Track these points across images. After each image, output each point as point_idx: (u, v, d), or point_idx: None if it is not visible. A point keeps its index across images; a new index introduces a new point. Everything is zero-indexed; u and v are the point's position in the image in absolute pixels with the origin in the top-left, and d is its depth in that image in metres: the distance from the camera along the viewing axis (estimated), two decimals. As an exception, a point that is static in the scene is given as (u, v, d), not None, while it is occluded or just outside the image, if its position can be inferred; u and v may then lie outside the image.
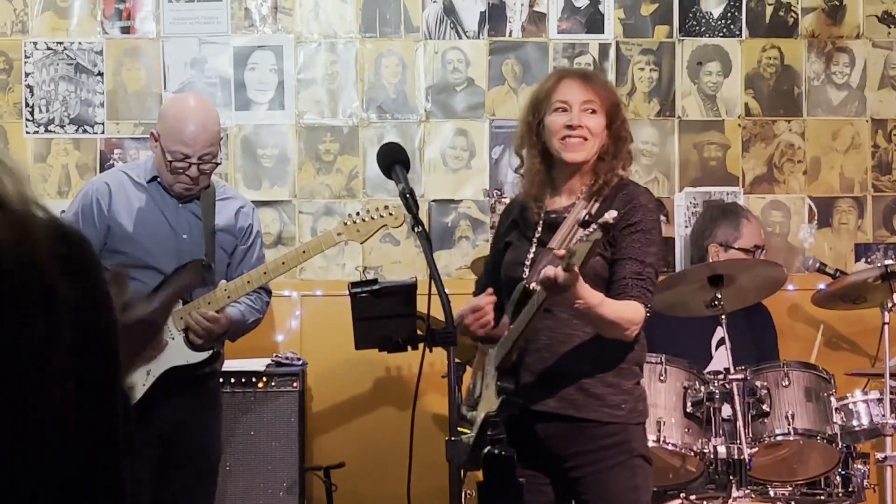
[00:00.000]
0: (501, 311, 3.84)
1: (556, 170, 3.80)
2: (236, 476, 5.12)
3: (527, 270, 3.72)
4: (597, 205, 3.67)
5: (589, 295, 3.44)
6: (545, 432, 3.69)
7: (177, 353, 4.48)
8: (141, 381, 4.43)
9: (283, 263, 4.52)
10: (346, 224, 4.54)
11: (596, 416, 3.64)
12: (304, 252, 4.54)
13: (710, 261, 5.19)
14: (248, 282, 4.49)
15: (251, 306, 4.66)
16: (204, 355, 4.51)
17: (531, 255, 3.74)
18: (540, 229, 3.76)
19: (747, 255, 5.26)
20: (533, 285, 3.58)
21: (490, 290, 3.76)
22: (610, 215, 3.16)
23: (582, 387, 3.66)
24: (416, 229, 3.44)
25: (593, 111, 3.73)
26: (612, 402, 3.66)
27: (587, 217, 3.22)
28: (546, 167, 3.80)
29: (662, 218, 5.69)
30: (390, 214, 4.52)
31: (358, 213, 4.55)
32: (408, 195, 3.47)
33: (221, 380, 4.92)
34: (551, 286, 3.31)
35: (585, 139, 3.72)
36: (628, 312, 3.56)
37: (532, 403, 3.66)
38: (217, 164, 4.59)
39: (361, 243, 4.65)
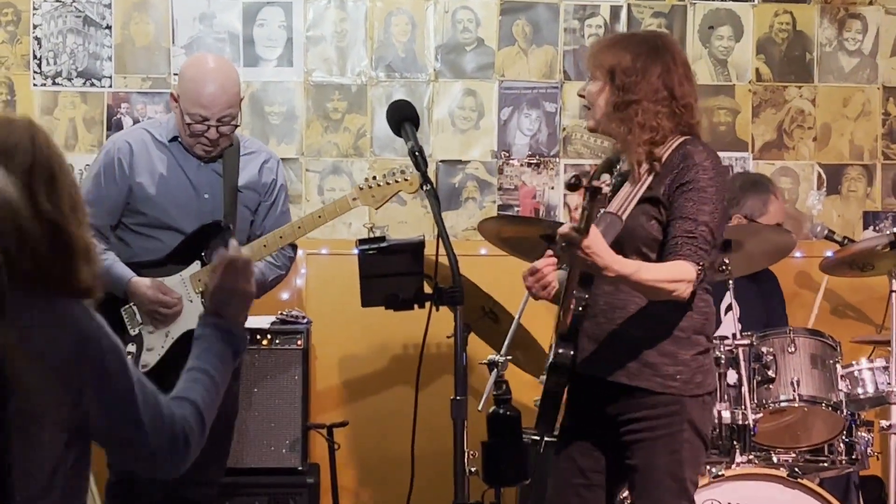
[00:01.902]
0: None
1: None
2: (239, 433, 5.11)
3: None
4: (651, 176, 3.54)
5: (620, 265, 3.34)
6: (601, 398, 3.60)
7: (194, 316, 4.46)
8: (160, 343, 4.45)
9: (300, 228, 4.51)
10: (361, 189, 4.50)
11: (648, 385, 3.54)
12: (319, 217, 4.52)
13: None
14: (265, 245, 4.49)
15: (272, 263, 4.65)
16: None
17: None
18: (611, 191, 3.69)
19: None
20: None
21: (549, 251, 3.61)
22: (603, 179, 3.10)
23: (637, 354, 3.55)
24: (424, 188, 3.42)
25: (592, 78, 3.64)
26: (667, 373, 3.54)
27: (573, 180, 3.13)
28: None
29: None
30: (406, 180, 4.48)
31: (374, 178, 4.50)
32: (417, 153, 3.44)
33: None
34: (564, 247, 3.25)
35: (588, 107, 3.66)
36: (672, 273, 3.43)
37: (589, 369, 3.59)
38: (236, 126, 4.55)
39: (377, 209, 4.61)
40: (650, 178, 3.55)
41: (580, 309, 3.55)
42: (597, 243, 3.25)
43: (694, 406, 3.57)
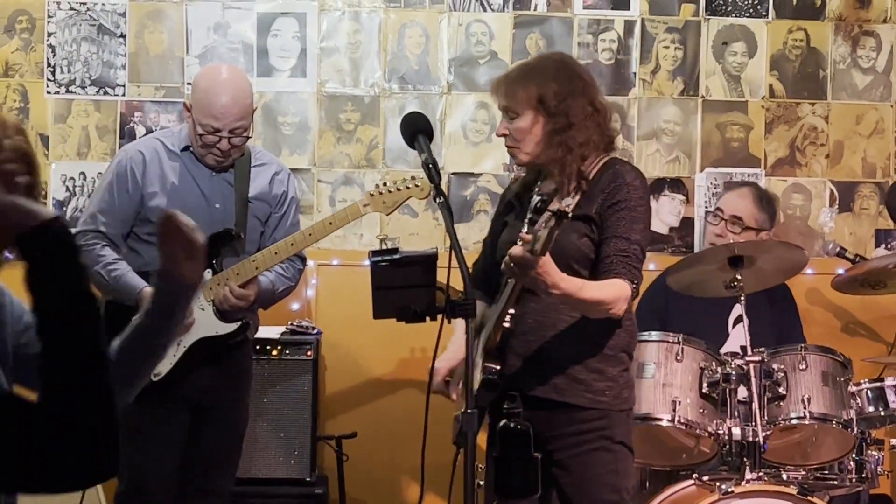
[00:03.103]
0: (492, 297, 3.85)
1: None
2: (248, 443, 5.10)
3: None
4: (578, 196, 3.62)
5: (566, 283, 3.44)
6: (530, 415, 3.65)
7: (206, 324, 4.48)
8: (171, 351, 4.43)
9: (311, 234, 4.51)
10: (372, 195, 4.50)
11: (578, 401, 3.65)
12: (330, 223, 4.51)
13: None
14: (276, 253, 4.48)
15: (282, 275, 4.65)
16: (233, 326, 4.51)
17: None
18: (532, 212, 3.74)
19: (710, 220, 5.29)
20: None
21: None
22: (565, 203, 3.16)
23: (566, 371, 3.66)
24: (437, 200, 3.42)
25: (515, 114, 3.72)
26: (596, 388, 3.66)
27: (539, 204, 3.21)
28: None
29: (681, 198, 5.68)
30: (416, 186, 4.48)
31: (385, 184, 4.51)
32: (430, 165, 3.45)
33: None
34: (516, 268, 3.32)
35: (515, 145, 3.74)
36: (612, 291, 3.55)
37: (517, 386, 3.65)
38: (248, 138, 4.56)
39: (387, 215, 4.62)
40: (578, 196, 3.63)
41: (507, 325, 3.60)
42: (547, 263, 3.35)
43: (620, 420, 3.72)
